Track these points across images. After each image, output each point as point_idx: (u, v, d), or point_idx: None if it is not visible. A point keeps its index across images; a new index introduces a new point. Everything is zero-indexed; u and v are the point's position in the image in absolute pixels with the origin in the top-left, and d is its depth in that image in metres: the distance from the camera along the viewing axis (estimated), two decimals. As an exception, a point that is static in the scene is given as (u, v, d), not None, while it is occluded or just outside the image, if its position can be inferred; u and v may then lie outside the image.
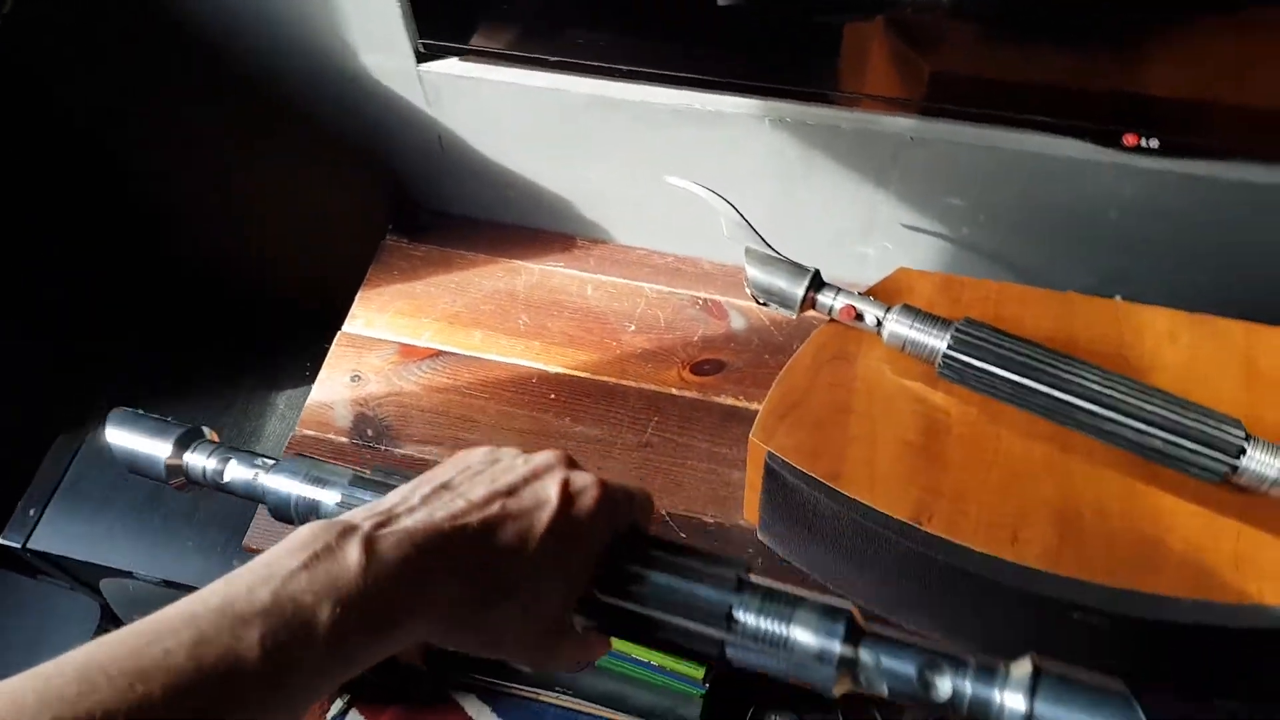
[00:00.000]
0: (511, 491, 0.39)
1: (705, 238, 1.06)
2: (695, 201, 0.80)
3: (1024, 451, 0.71)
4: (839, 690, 0.38)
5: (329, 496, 0.47)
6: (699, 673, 1.07)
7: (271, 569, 0.33)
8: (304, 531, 0.35)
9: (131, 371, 1.19)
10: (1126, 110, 0.79)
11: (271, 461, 0.50)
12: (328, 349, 1.00)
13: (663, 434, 0.95)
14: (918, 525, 0.68)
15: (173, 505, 1.03)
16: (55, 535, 1.03)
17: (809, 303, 0.76)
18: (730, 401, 0.97)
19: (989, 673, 0.36)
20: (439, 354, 1.00)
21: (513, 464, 0.42)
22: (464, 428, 0.95)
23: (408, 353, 1.00)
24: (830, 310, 0.76)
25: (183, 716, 0.28)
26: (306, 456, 0.50)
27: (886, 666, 0.37)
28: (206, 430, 0.53)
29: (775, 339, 1.01)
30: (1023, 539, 0.67)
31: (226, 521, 1.03)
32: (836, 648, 0.38)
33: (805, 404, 0.74)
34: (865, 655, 0.38)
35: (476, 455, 0.43)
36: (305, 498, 0.48)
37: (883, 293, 0.79)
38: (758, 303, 0.78)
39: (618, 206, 1.06)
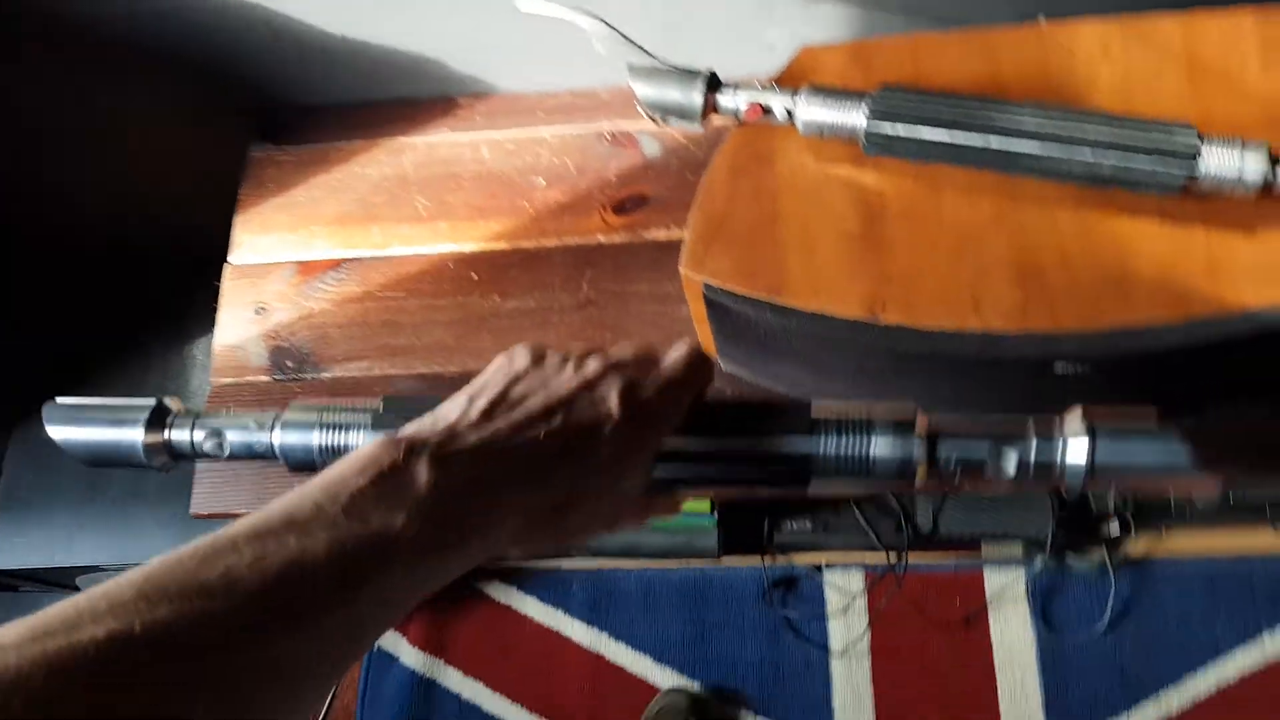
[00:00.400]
0: (570, 402, 0.38)
1: (594, 63, 0.96)
2: (570, 27, 0.71)
3: (970, 212, 0.65)
4: (920, 488, 0.41)
5: (354, 439, 0.45)
6: (706, 505, 1.06)
7: (337, 487, 0.32)
8: (366, 451, 0.34)
9: (23, 362, 1.10)
10: None
11: (269, 417, 0.46)
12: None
13: (599, 287, 0.89)
14: (874, 320, 0.63)
15: (115, 489, 0.98)
16: (10, 551, 0.98)
17: (710, 108, 0.69)
18: (663, 235, 0.90)
19: (1047, 439, 0.39)
20: (340, 263, 0.92)
21: (562, 370, 0.40)
22: (389, 333, 0.89)
23: (307, 270, 0.92)
24: (736, 112, 0.68)
25: (246, 633, 0.27)
26: (308, 404, 0.46)
27: (959, 459, 0.40)
28: (168, 400, 0.47)
29: (695, 156, 0.93)
30: (985, 304, 0.62)
31: (176, 492, 0.97)
32: (916, 459, 0.39)
33: (731, 221, 0.68)
34: (940, 455, 0.40)
35: (519, 360, 0.40)
36: (328, 446, 0.45)
37: (789, 79, 0.71)
38: (655, 122, 0.71)
39: (489, 50, 0.96)
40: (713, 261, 0.67)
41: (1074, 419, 0.39)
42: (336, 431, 0.45)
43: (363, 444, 0.41)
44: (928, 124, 0.63)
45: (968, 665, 1.06)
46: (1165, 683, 1.02)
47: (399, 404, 0.44)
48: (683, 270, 0.68)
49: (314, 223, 0.94)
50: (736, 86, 0.68)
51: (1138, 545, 1.06)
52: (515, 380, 0.39)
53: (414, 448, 0.34)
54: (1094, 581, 1.05)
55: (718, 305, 0.68)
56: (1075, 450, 0.39)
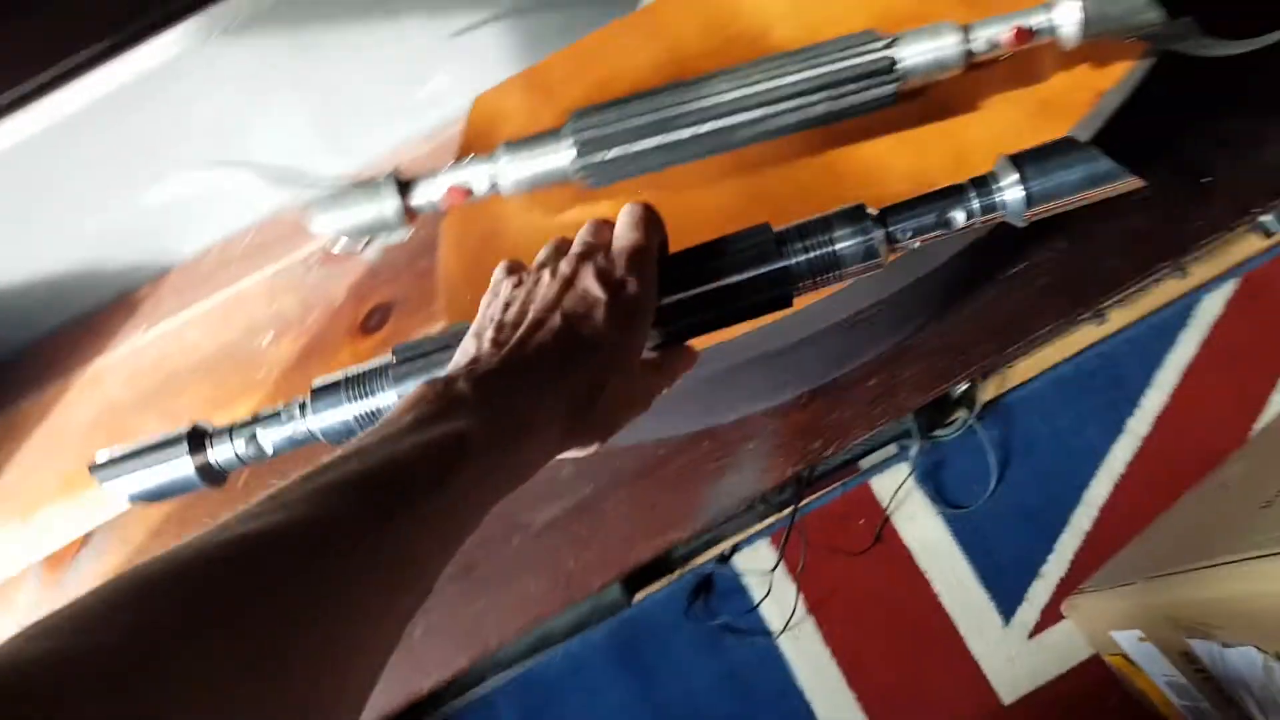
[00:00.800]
0: (559, 303, 0.41)
1: (262, 192, 0.86)
2: (224, 176, 0.62)
3: (716, 202, 0.61)
4: (889, 259, 0.44)
5: (386, 399, 0.46)
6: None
7: (392, 424, 0.34)
8: (407, 398, 0.36)
9: None
10: None
11: (298, 405, 0.47)
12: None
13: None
14: (679, 350, 0.59)
15: None
16: None
17: (410, 213, 0.61)
18: (424, 334, 0.82)
19: (984, 186, 0.44)
20: (89, 536, 0.78)
21: (539, 279, 0.43)
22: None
23: (54, 562, 0.78)
24: (435, 205, 0.61)
25: (363, 524, 0.29)
26: (331, 383, 0.47)
27: (912, 227, 0.44)
28: (200, 423, 0.49)
29: (421, 236, 0.84)
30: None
31: None
32: (877, 242, 0.43)
33: (489, 318, 0.61)
34: (895, 231, 0.44)
35: (504, 291, 0.43)
36: (363, 414, 0.47)
37: (476, 138, 0.65)
38: (354, 252, 0.63)
39: (145, 231, 0.84)
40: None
41: (1001, 163, 0.44)
42: (365, 399, 0.47)
43: (392, 401, 0.46)
44: (635, 137, 0.58)
45: (897, 579, 1.06)
46: (1069, 505, 1.06)
47: (409, 348, 0.47)
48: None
49: (40, 501, 0.80)
50: (431, 176, 0.61)
51: (987, 389, 1.09)
52: (506, 306, 0.42)
53: (449, 381, 0.37)
54: (968, 442, 1.07)
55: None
56: (1012, 190, 0.43)
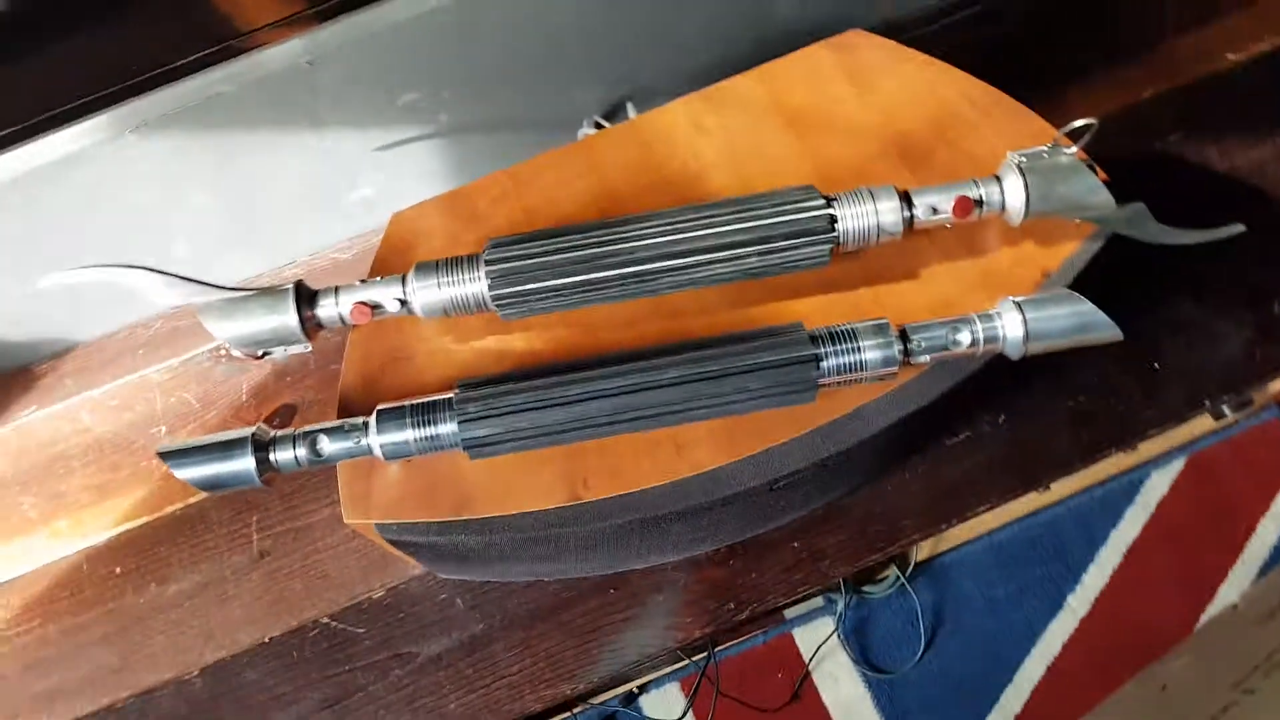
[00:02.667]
0: None
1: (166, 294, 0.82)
2: (121, 275, 0.58)
3: (633, 346, 0.58)
4: (900, 370, 0.52)
5: (446, 428, 0.52)
6: None
7: None
8: None
9: None
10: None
11: (361, 422, 0.53)
12: None
13: (272, 531, 0.74)
14: (578, 501, 0.54)
15: None
16: None
17: (312, 325, 0.57)
18: (328, 442, 0.77)
19: (989, 319, 0.52)
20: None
21: None
22: (35, 678, 0.70)
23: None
24: (341, 319, 0.57)
25: None
26: (397, 408, 0.52)
27: (925, 345, 0.52)
28: (262, 426, 0.54)
29: (331, 340, 0.81)
30: (686, 445, 0.55)
31: None
32: (897, 354, 0.52)
33: (381, 445, 0.57)
34: (912, 345, 0.52)
35: None
36: (423, 437, 0.52)
37: (391, 255, 0.62)
38: (255, 358, 0.58)
39: (50, 307, 0.79)
40: (377, 496, 0.56)
41: (1004, 303, 0.52)
42: (427, 426, 0.52)
43: (452, 429, 0.51)
44: (554, 273, 0.55)
45: (814, 741, 1.01)
46: (1000, 682, 1.01)
47: (472, 382, 0.53)
48: (347, 520, 0.56)
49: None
50: (336, 290, 0.57)
51: (922, 548, 1.05)
52: None
53: None
54: (898, 602, 1.03)
55: (405, 544, 0.57)
56: (1012, 324, 0.52)
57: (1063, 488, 1.11)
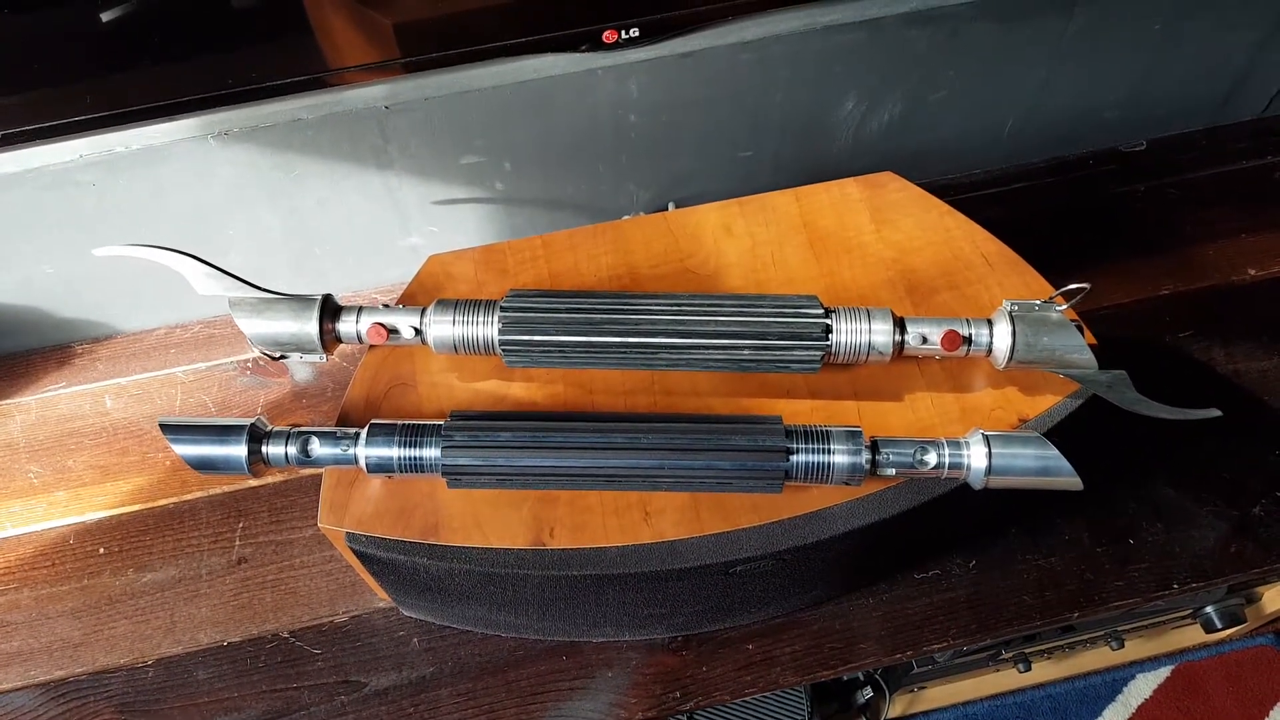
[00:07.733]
0: None
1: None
2: (170, 260, 0.62)
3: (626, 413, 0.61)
4: (865, 480, 0.55)
5: (430, 452, 0.54)
6: None
7: None
8: None
9: None
10: (595, 6, 0.70)
11: (352, 432, 0.56)
12: None
13: (255, 540, 0.77)
14: (542, 547, 0.56)
15: None
16: None
17: (331, 337, 0.61)
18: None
19: (956, 445, 0.55)
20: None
21: None
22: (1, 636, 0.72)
23: None
24: (358, 337, 0.61)
25: None
26: (388, 425, 0.56)
27: (893, 459, 0.54)
28: (261, 419, 0.57)
29: (350, 374, 0.85)
30: (654, 513, 0.57)
31: None
32: (864, 462, 0.54)
33: (368, 459, 0.59)
34: (880, 458, 0.54)
35: None
36: (406, 457, 0.55)
37: (420, 292, 0.66)
38: (272, 359, 0.62)
39: (102, 289, 0.85)
40: (356, 507, 0.58)
41: (974, 434, 0.55)
42: (412, 447, 0.55)
43: (435, 455, 0.54)
44: (563, 329, 0.59)
45: None
46: None
47: (463, 415, 0.56)
48: (320, 525, 0.58)
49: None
50: (360, 309, 0.62)
51: (895, 705, 1.03)
52: None
53: None
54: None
55: (369, 557, 0.59)
56: (977, 455, 0.54)
57: (1044, 672, 1.09)
